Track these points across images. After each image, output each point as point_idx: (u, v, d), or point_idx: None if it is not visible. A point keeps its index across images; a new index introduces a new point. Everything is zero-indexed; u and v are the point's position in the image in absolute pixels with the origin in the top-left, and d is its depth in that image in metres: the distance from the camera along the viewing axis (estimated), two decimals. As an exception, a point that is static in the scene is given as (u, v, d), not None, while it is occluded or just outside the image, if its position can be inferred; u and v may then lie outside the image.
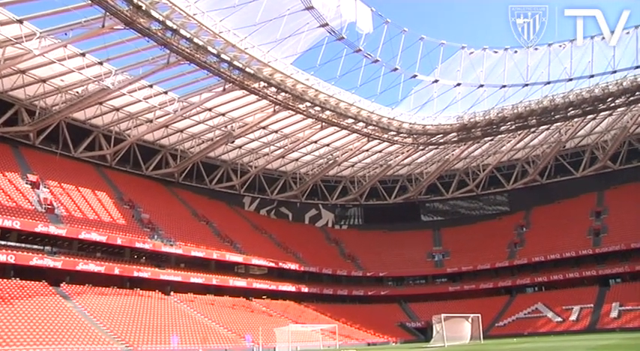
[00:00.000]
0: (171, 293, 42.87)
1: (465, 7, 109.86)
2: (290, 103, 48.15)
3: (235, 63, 41.95)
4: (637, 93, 50.25)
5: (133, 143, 50.98)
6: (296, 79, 46.49)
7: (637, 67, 48.94)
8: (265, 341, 38.66)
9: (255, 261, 50.84)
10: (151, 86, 43.69)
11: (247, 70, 43.00)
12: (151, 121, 49.04)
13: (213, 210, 56.54)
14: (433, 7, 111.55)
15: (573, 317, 49.49)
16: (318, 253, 61.59)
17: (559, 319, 50.20)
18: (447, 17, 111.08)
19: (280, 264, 52.78)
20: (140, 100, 44.00)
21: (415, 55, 48.68)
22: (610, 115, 56.88)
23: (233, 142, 54.82)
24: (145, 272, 41.22)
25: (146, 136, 51.74)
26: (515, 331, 49.13)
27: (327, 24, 40.90)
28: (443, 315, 40.63)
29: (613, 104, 52.33)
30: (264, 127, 53.99)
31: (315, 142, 58.82)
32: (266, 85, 45.33)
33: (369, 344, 47.44)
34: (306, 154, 62.11)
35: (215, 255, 46.76)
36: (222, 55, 40.75)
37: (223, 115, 50.52)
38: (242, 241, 52.31)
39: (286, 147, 58.50)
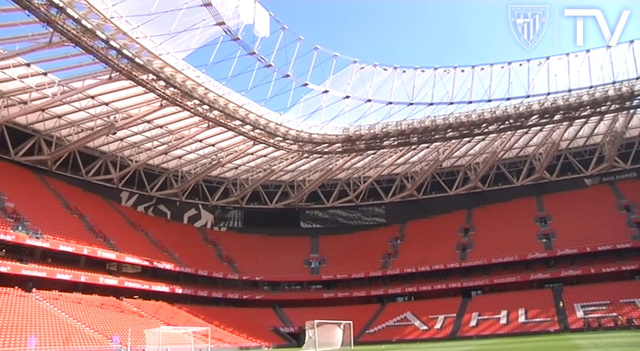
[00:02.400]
0: (33, 290, 39.69)
1: (360, 22, 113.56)
2: (178, 99, 47.00)
3: (125, 51, 40.33)
4: (507, 122, 54.94)
5: (1, 125, 46.87)
6: (186, 75, 45.57)
7: (508, 99, 53.75)
8: (134, 343, 36.96)
9: (129, 259, 48.65)
10: (28, 65, 40.66)
11: (137, 60, 41.45)
12: (26, 103, 45.37)
13: (87, 203, 53.40)
14: (330, 19, 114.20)
15: (438, 326, 52.64)
16: (194, 253, 60.33)
17: (425, 327, 53.13)
18: (342, 30, 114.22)
19: (155, 263, 50.99)
20: (14, 79, 40.82)
21: (308, 64, 49.85)
22: (483, 139, 61.80)
23: (115, 133, 52.12)
24: (4, 266, 37.69)
25: (18, 119, 47.81)
26: (384, 338, 51.29)
27: (223, 23, 40.50)
28: (316, 321, 41.35)
29: (486, 130, 56.86)
30: (149, 121, 52.12)
31: (201, 141, 57.79)
32: (155, 78, 43.98)
33: (241, 348, 47.14)
34: (190, 153, 60.72)
35: (86, 250, 44.11)
36: (112, 42, 39.02)
37: (107, 104, 48.06)
38: (116, 238, 49.88)
39: (170, 143, 56.76)
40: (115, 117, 49.46)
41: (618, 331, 41.79)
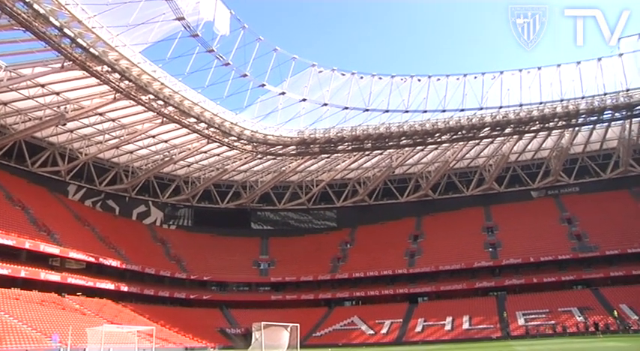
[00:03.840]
0: (-33, 285, 38.09)
1: (319, 25, 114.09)
2: (132, 93, 45.95)
3: (79, 41, 39.11)
4: (459, 132, 56.25)
5: (-59, 111, 44.85)
6: (142, 68, 44.66)
7: (462, 110, 54.97)
8: (75, 342, 35.74)
9: (74, 254, 47.04)
10: (-29, 48, 38.96)
11: (91, 50, 40.34)
12: (-33, 89, 43.48)
13: (31, 195, 51.40)
14: (291, 21, 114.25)
15: (384, 330, 53.28)
16: (142, 251, 59.03)
17: (371, 331, 53.67)
18: (302, 32, 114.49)
19: (101, 259, 49.61)
20: (-45, 63, 39.03)
21: (266, 65, 49.78)
22: (436, 149, 63.14)
23: (64, 124, 50.33)
24: (-63, 259, 36.13)
25: (-42, 105, 45.84)
26: (331, 342, 51.51)
27: (183, 18, 39.87)
28: (263, 323, 41.07)
29: (439, 139, 58.14)
30: (101, 114, 50.71)
31: (154, 136, 56.68)
32: (110, 70, 42.85)
33: (186, 349, 46.44)
34: (142, 148, 59.51)
35: (27, 244, 42.43)
36: (66, 30, 37.75)
37: (57, 94, 46.49)
38: (61, 232, 48.25)
39: (122, 138, 55.43)
40: (65, 107, 47.89)
41: (556, 338, 43.32)
